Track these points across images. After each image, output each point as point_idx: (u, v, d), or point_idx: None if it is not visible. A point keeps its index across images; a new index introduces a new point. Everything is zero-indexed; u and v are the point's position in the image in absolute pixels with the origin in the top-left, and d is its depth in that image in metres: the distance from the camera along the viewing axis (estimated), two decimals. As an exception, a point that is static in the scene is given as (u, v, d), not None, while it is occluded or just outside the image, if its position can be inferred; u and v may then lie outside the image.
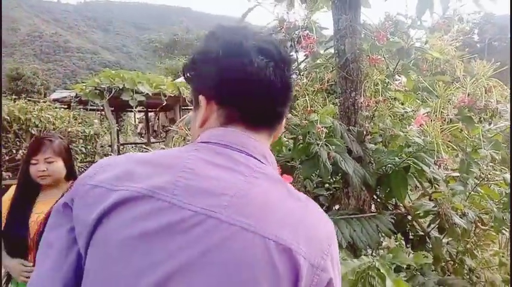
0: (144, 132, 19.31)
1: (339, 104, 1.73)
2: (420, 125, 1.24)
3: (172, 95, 7.86)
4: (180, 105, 8.65)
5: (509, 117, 1.43)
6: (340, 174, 1.84)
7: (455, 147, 1.35)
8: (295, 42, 1.50)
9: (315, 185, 2.00)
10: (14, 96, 6.56)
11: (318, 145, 1.28)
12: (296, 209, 0.69)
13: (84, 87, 6.99)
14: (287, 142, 1.71)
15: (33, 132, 5.69)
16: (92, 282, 0.67)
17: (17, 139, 5.70)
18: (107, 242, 0.65)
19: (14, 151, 5.63)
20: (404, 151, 1.38)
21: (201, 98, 0.75)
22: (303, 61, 1.67)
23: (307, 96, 1.37)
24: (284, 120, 0.81)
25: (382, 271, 1.13)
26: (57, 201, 1.69)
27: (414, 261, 1.22)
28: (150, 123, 18.46)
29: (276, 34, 1.49)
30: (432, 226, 1.67)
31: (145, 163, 0.71)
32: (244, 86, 0.72)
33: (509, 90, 1.41)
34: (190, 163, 0.68)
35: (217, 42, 0.75)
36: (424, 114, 1.31)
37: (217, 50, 0.73)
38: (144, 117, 19.98)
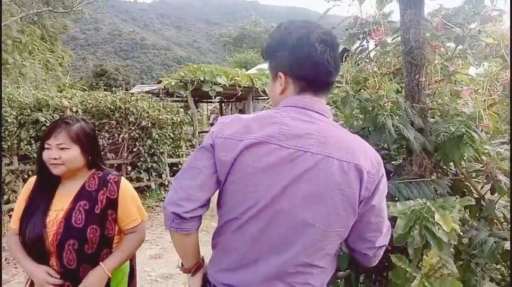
0: (215, 122, 20.37)
1: (404, 85, 2.06)
2: (464, 98, 1.55)
3: (246, 86, 8.45)
4: (253, 95, 9.24)
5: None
6: (404, 145, 2.19)
7: (500, 116, 1.64)
8: (367, 35, 1.87)
9: (383, 156, 2.36)
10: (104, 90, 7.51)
11: (384, 115, 1.65)
12: (354, 141, 1.15)
13: (170, 80, 7.83)
14: (358, 115, 2.08)
15: (131, 119, 6.59)
16: (233, 193, 1.14)
17: (118, 125, 6.65)
18: (243, 171, 1.12)
19: (116, 135, 6.58)
20: (456, 120, 1.69)
21: (281, 74, 1.19)
22: (373, 49, 2.03)
23: (376, 78, 1.75)
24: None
25: (432, 209, 1.48)
26: (78, 193, 1.65)
27: (459, 203, 1.54)
28: (221, 114, 19.42)
29: (351, 29, 1.88)
30: (485, 187, 1.95)
31: (255, 120, 1.16)
32: (311, 66, 1.16)
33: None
34: (284, 119, 1.13)
35: (290, 36, 1.19)
36: (471, 89, 1.60)
37: (292, 42, 1.16)
38: (214, 108, 21.03)
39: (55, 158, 1.61)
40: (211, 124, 20.60)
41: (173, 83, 7.71)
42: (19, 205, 1.69)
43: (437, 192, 1.99)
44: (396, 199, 1.71)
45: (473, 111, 1.59)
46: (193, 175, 1.14)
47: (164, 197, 7.17)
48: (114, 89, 7.92)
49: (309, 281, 1.13)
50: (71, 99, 6.04)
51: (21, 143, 5.46)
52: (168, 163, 7.21)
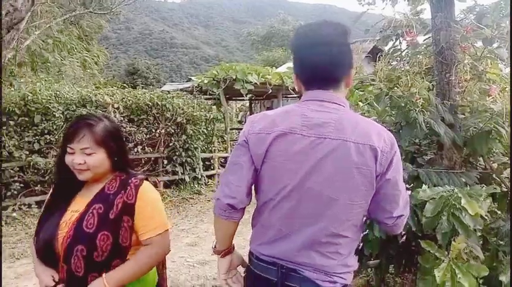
0: (244, 120, 20.68)
1: (435, 83, 2.21)
2: (492, 95, 1.68)
3: (276, 84, 8.64)
4: (283, 93, 9.41)
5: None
6: (434, 141, 2.32)
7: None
8: (400, 36, 2.02)
9: (414, 151, 2.50)
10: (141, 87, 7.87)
11: (415, 110, 1.81)
12: (368, 125, 1.31)
13: (203, 78, 8.13)
14: (390, 112, 2.24)
15: (167, 115, 6.92)
16: (268, 178, 1.33)
17: (155, 121, 7.00)
18: (274, 159, 1.31)
19: (153, 131, 6.92)
20: (484, 115, 1.83)
21: (294, 75, 1.38)
22: (405, 50, 2.18)
23: (408, 76, 1.90)
24: (350, 75, 1.37)
25: (459, 195, 1.63)
26: (96, 196, 1.49)
27: (486, 191, 1.68)
28: (248, 113, 19.73)
29: (384, 31, 2.03)
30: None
31: (279, 115, 1.35)
32: (308, 67, 1.33)
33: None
34: (305, 112, 1.32)
35: (294, 43, 1.37)
36: (499, 87, 1.73)
37: (295, 48, 1.35)
38: (242, 106, 21.35)
39: (80, 164, 1.44)
40: (240, 121, 20.91)
41: (206, 81, 8.00)
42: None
43: (466, 183, 2.12)
44: (426, 185, 1.86)
45: (501, 108, 1.72)
46: (237, 170, 1.34)
47: (198, 190, 7.48)
48: (145, 87, 8.23)
49: (338, 251, 1.30)
50: (112, 97, 6.42)
51: (68, 136, 5.86)
52: (201, 158, 7.50)
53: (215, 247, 1.50)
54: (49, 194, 1.62)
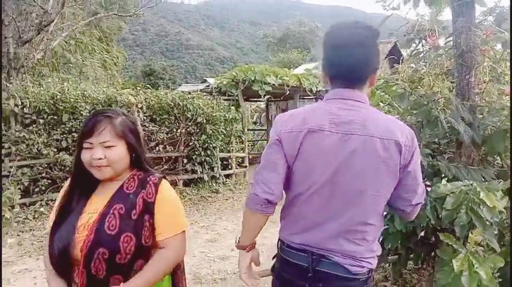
0: (259, 121, 20.86)
1: (455, 85, 2.31)
2: (508, 95, 1.79)
3: (294, 86, 8.77)
4: (300, 94, 9.53)
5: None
6: (453, 140, 2.43)
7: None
8: (422, 39, 2.14)
9: (433, 150, 2.60)
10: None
11: (437, 109, 1.92)
12: (391, 121, 1.42)
13: (222, 79, 8.32)
14: (412, 111, 2.35)
15: (187, 115, 7.12)
16: (299, 173, 1.44)
17: (176, 121, 7.20)
18: (305, 155, 1.42)
19: (174, 130, 7.13)
20: (502, 114, 1.93)
21: (323, 72, 1.48)
22: (427, 52, 2.29)
23: (430, 77, 2.02)
24: (375, 75, 1.46)
25: (478, 189, 1.74)
26: (114, 195, 1.42)
27: (503, 186, 1.78)
28: (263, 114, 19.88)
29: (408, 35, 2.15)
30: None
31: (307, 112, 1.44)
32: (338, 65, 1.42)
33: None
34: (331, 110, 1.41)
35: (326, 42, 1.46)
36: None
37: (326, 47, 1.45)
38: (257, 107, 21.54)
39: (100, 159, 1.37)
40: (255, 123, 21.05)
41: (225, 82, 8.18)
42: (54, 212, 1.48)
43: (484, 179, 2.21)
44: (446, 178, 1.96)
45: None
46: (273, 168, 1.43)
47: (216, 189, 7.65)
48: (163, 88, 8.39)
49: (365, 237, 1.41)
50: (136, 97, 6.65)
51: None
52: (219, 157, 7.68)
53: (239, 241, 1.56)
54: (62, 195, 1.49)
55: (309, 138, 1.37)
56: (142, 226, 1.40)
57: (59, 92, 6.02)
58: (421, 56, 2.26)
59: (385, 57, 4.80)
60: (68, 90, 6.10)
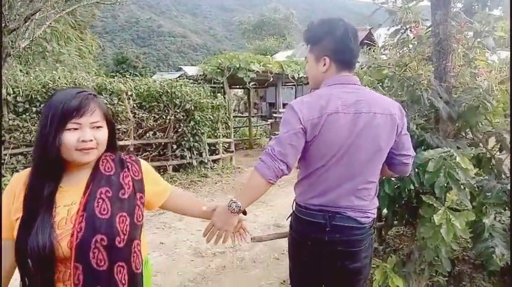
0: (237, 108, 21.13)
1: (433, 69, 2.69)
2: (480, 76, 2.18)
3: (277, 73, 9.09)
4: (283, 81, 9.86)
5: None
6: (431, 117, 2.82)
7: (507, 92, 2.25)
8: (408, 30, 2.50)
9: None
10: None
11: (421, 89, 2.29)
12: (384, 99, 1.79)
13: (206, 66, 8.53)
14: (397, 93, 2.72)
15: (176, 102, 7.33)
16: (319, 150, 1.75)
17: (165, 107, 7.40)
18: (325, 134, 1.73)
19: (163, 117, 7.33)
20: (474, 92, 2.32)
21: (326, 57, 1.79)
22: (411, 40, 2.66)
23: (414, 62, 2.38)
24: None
25: (454, 154, 2.12)
26: (93, 179, 1.31)
27: (474, 152, 2.18)
28: (243, 101, 20.14)
29: (396, 25, 2.50)
30: (495, 146, 2.58)
31: (321, 99, 1.72)
32: (348, 52, 1.77)
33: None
34: (340, 95, 1.73)
35: (335, 29, 1.77)
36: (485, 70, 2.22)
37: (336, 34, 1.76)
38: (234, 95, 21.82)
39: (90, 140, 1.26)
40: (234, 110, 21.30)
41: (210, 70, 8.40)
42: (5, 207, 1.29)
43: (459, 148, 2.62)
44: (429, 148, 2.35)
45: (487, 85, 2.21)
46: (295, 152, 1.67)
47: (204, 173, 7.94)
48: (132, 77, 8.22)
49: (370, 193, 1.77)
50: (125, 84, 6.79)
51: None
52: (207, 143, 7.94)
53: (236, 207, 1.65)
54: (13, 193, 1.29)
55: (328, 121, 1.65)
56: (134, 205, 1.35)
57: (51, 81, 6.11)
58: (406, 44, 2.63)
59: (360, 43, 5.19)
60: (59, 78, 6.19)
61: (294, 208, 1.90)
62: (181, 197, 1.65)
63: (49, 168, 1.26)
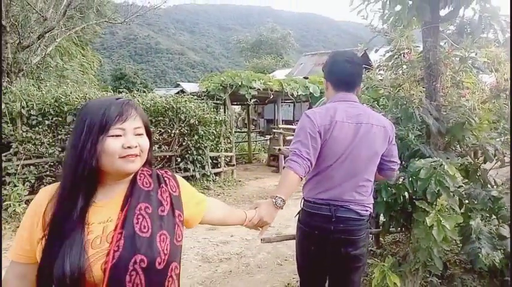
0: (236, 124, 21.51)
1: (424, 89, 3.04)
2: (464, 96, 2.52)
3: (277, 90, 9.49)
4: (282, 98, 10.25)
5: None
6: (423, 133, 3.16)
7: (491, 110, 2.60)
8: (402, 55, 2.86)
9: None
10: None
11: (413, 107, 2.62)
12: (377, 114, 2.17)
13: (209, 83, 8.91)
14: (392, 110, 3.06)
15: (181, 117, 7.65)
16: (327, 152, 2.10)
17: (170, 122, 7.72)
18: (333, 139, 2.09)
19: (169, 131, 7.64)
20: (460, 110, 2.66)
21: (324, 79, 2.22)
22: (404, 63, 3.01)
23: (407, 83, 2.73)
24: (360, 86, 2.24)
25: (443, 163, 2.44)
26: (131, 194, 1.20)
27: (461, 161, 2.50)
28: (241, 117, 20.53)
29: (391, 51, 2.86)
30: (481, 158, 2.91)
31: (329, 111, 2.11)
32: (346, 78, 2.16)
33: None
34: (345, 108, 2.12)
35: (334, 62, 2.21)
36: (468, 90, 2.57)
37: (330, 61, 2.22)
38: (235, 111, 22.28)
39: (136, 146, 1.17)
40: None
41: (213, 86, 8.78)
42: (27, 229, 1.16)
43: (448, 159, 2.94)
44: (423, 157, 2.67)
45: (471, 105, 2.55)
46: (314, 152, 2.01)
47: (207, 186, 8.22)
48: (133, 92, 8.42)
49: (367, 190, 2.11)
50: (133, 99, 7.09)
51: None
52: (209, 156, 8.25)
53: (281, 202, 1.88)
54: (42, 214, 1.14)
55: (336, 128, 2.01)
56: (174, 223, 1.25)
57: (62, 95, 6.42)
58: (400, 67, 2.98)
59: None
60: (70, 93, 6.50)
61: (302, 204, 2.22)
62: (217, 207, 1.58)
63: (83, 180, 1.13)
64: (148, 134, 1.25)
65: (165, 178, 1.32)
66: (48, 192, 1.18)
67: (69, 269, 1.03)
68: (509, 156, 2.91)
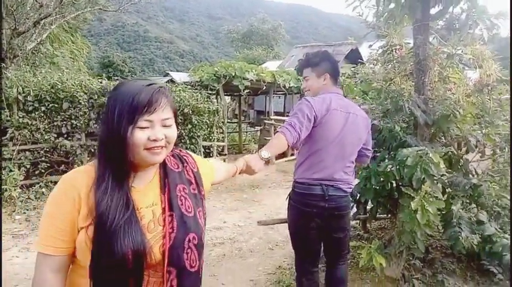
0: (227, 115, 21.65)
1: (414, 83, 3.24)
2: (450, 90, 2.73)
3: (270, 82, 9.65)
4: (274, 89, 10.41)
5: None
6: (410, 124, 3.36)
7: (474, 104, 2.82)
8: (394, 51, 3.05)
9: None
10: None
11: (403, 99, 2.82)
12: (357, 106, 2.49)
13: (203, 73, 9.02)
14: (382, 102, 3.26)
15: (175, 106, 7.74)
16: (320, 135, 2.34)
17: (164, 111, 7.80)
18: (326, 124, 2.32)
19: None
20: (445, 103, 2.87)
21: (327, 74, 2.47)
22: (395, 59, 3.20)
23: (398, 77, 2.92)
24: None
25: (428, 152, 2.65)
26: (167, 176, 1.24)
27: (444, 151, 2.71)
28: (231, 108, 20.64)
29: (384, 48, 3.05)
30: (463, 149, 3.13)
31: (325, 99, 2.38)
32: (337, 73, 2.47)
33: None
34: (337, 99, 2.40)
35: (329, 55, 2.53)
36: (454, 85, 2.77)
37: (331, 59, 2.50)
38: (226, 102, 22.42)
39: (162, 139, 1.14)
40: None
41: (206, 76, 8.89)
42: (63, 219, 1.10)
43: (433, 148, 3.15)
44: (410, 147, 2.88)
45: (456, 97, 2.76)
46: (307, 128, 2.23)
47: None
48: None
49: (351, 170, 2.42)
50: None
51: (90, 122, 6.66)
52: (202, 145, 8.39)
53: (264, 154, 1.96)
54: (84, 202, 1.10)
55: (330, 114, 2.29)
56: (201, 199, 1.31)
57: (59, 82, 6.47)
58: (391, 62, 3.17)
59: (346, 57, 5.77)
60: (66, 80, 6.54)
61: (293, 186, 2.47)
62: (219, 168, 1.66)
63: (122, 166, 1.13)
64: (176, 118, 1.24)
65: (184, 157, 1.37)
66: (79, 177, 1.14)
67: (134, 252, 1.05)
68: (489, 147, 3.14)
